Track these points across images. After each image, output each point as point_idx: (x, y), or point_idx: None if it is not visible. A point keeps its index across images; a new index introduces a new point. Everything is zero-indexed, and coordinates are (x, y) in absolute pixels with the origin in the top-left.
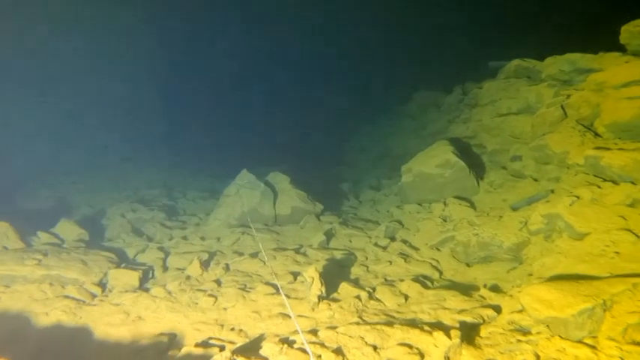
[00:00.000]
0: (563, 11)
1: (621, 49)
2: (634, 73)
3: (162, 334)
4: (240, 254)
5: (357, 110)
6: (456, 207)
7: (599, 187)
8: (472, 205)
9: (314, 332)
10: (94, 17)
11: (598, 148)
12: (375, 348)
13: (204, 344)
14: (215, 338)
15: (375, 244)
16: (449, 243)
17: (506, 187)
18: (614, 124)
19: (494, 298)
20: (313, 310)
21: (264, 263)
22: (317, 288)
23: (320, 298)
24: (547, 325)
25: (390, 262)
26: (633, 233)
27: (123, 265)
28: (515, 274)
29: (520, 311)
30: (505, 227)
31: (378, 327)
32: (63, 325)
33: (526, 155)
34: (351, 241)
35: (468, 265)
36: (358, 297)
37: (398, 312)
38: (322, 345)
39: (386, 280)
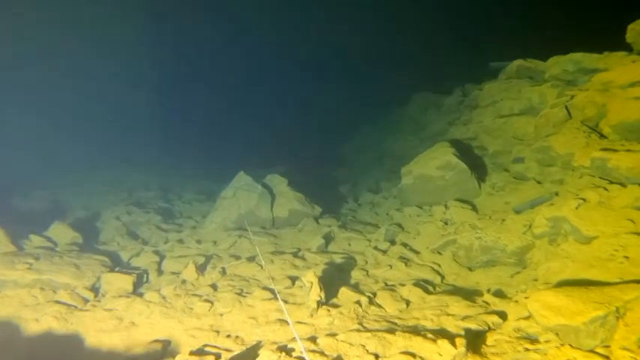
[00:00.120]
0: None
1: (627, 48)
2: None
3: (156, 341)
4: (237, 258)
5: (355, 111)
6: (457, 210)
7: (606, 189)
8: (474, 208)
9: (313, 340)
10: (92, 17)
11: (605, 149)
12: (376, 357)
13: (200, 352)
14: (211, 345)
15: (375, 248)
16: (450, 246)
17: (508, 189)
18: (621, 124)
19: (498, 304)
20: (312, 316)
21: (262, 267)
22: (316, 293)
23: (319, 303)
24: (556, 333)
25: (391, 266)
26: None
27: (117, 269)
28: (520, 279)
29: (527, 318)
30: (508, 231)
31: (380, 334)
32: (53, 332)
33: (529, 157)
34: (350, 245)
35: (470, 269)
36: (358, 302)
37: (399, 318)
38: (322, 353)
39: (386, 284)
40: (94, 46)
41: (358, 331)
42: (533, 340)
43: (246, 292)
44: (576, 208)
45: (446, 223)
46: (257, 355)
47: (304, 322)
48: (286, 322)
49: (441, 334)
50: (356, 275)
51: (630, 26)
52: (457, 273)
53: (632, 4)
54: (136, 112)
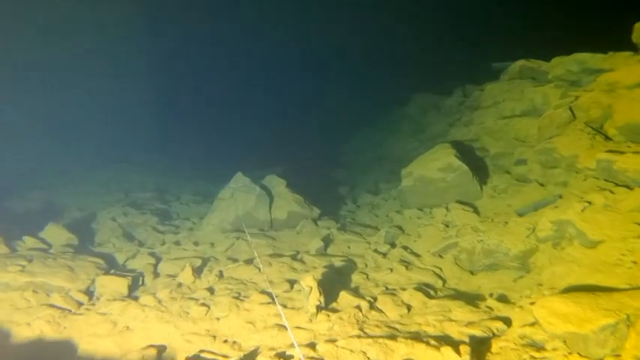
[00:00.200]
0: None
1: (631, 48)
2: None
3: (150, 346)
4: (235, 260)
5: (355, 111)
6: (458, 212)
7: (612, 192)
8: (475, 211)
9: (312, 346)
10: (89, 16)
11: (610, 151)
12: None
13: (196, 358)
14: (207, 351)
15: (375, 251)
16: (452, 250)
17: (510, 191)
18: (627, 126)
19: (502, 309)
20: (311, 321)
21: (260, 270)
22: (315, 297)
23: (318, 308)
24: (564, 341)
25: (391, 270)
26: None
27: (112, 271)
28: (523, 284)
29: (532, 324)
30: (511, 234)
31: (381, 340)
32: (46, 337)
33: (531, 159)
34: (349, 247)
35: (472, 272)
36: (358, 307)
37: (401, 324)
38: None
39: (387, 288)
40: (92, 44)
41: (359, 337)
42: (540, 348)
43: (244, 296)
44: (582, 212)
45: (447, 226)
46: None
47: (303, 328)
48: (285, 327)
49: (444, 340)
50: (356, 279)
51: (636, 25)
52: (459, 277)
53: (633, 3)
54: (133, 112)
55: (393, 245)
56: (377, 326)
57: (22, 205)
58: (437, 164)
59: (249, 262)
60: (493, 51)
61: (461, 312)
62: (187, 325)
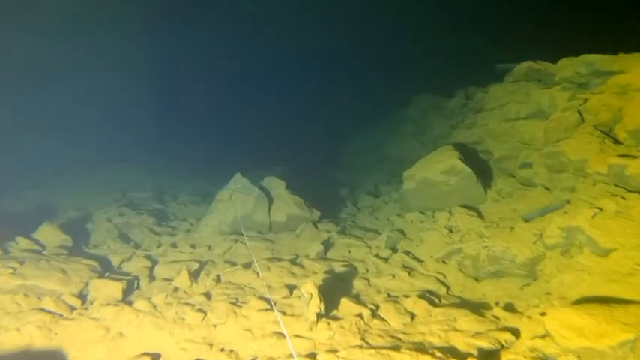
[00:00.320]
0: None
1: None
2: None
3: (144, 354)
4: (233, 264)
5: (355, 112)
6: (462, 217)
7: (624, 198)
8: (479, 215)
9: (312, 356)
10: (89, 15)
11: (622, 156)
12: None
13: None
14: None
15: (376, 256)
16: (456, 255)
17: (515, 196)
18: (639, 129)
19: (509, 319)
20: (311, 329)
21: (258, 275)
22: (315, 305)
23: (319, 315)
24: (578, 356)
25: (393, 276)
26: None
27: (106, 274)
28: (530, 292)
29: (543, 336)
30: (518, 240)
31: (384, 351)
32: (36, 343)
33: (537, 162)
34: (350, 252)
35: (476, 279)
36: (360, 315)
37: (404, 333)
38: None
39: (389, 295)
40: (91, 43)
41: (361, 347)
42: None
43: (242, 302)
44: (592, 218)
45: (450, 231)
46: None
47: (303, 336)
48: (283, 334)
49: (450, 352)
50: (357, 285)
51: None
52: (463, 284)
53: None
54: (133, 111)
55: (394, 250)
56: (379, 335)
57: (18, 205)
58: (440, 167)
59: (247, 265)
60: (493, 52)
61: (466, 321)
62: (183, 332)
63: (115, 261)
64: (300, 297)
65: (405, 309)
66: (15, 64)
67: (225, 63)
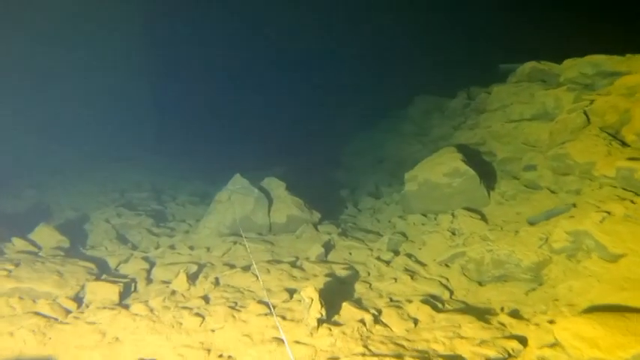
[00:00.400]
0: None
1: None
2: None
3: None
4: (232, 267)
5: (355, 112)
6: (465, 219)
7: (633, 202)
8: (483, 218)
9: None
10: (87, 15)
11: (631, 159)
12: None
13: None
14: None
15: (378, 258)
16: (459, 259)
17: (519, 198)
18: None
19: (516, 326)
20: (312, 335)
21: (257, 278)
22: (316, 310)
23: (320, 321)
24: None
25: (395, 280)
26: None
27: (103, 276)
28: (536, 297)
29: (552, 346)
30: (523, 244)
31: (387, 359)
32: (29, 348)
33: (541, 165)
34: (351, 254)
35: (480, 284)
36: (362, 321)
37: (407, 340)
38: None
39: (392, 300)
40: (90, 41)
41: (363, 355)
42: None
43: (241, 306)
44: (600, 222)
45: (453, 233)
46: None
47: (303, 343)
48: (283, 341)
49: None
50: (358, 288)
51: None
52: (467, 288)
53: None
54: (132, 110)
55: (396, 253)
56: (382, 342)
57: (16, 205)
58: (442, 168)
59: (246, 268)
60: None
61: (471, 328)
62: (180, 337)
63: (112, 263)
64: (300, 301)
65: (408, 314)
66: (15, 64)
67: (225, 63)
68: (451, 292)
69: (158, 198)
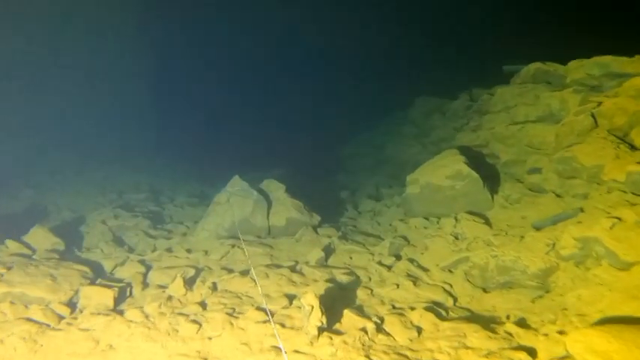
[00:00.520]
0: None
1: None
2: None
3: None
4: (230, 271)
5: (356, 113)
6: (469, 223)
7: None
8: (487, 222)
9: None
10: (85, 15)
11: None
12: None
13: None
14: None
15: (379, 263)
16: (463, 265)
17: (523, 202)
18: None
19: (523, 336)
20: (312, 344)
21: (256, 283)
22: (317, 318)
23: (320, 329)
24: None
25: (397, 285)
26: None
27: (98, 281)
28: (543, 305)
29: (563, 358)
30: (529, 250)
31: None
32: (19, 356)
33: (547, 168)
34: (351, 258)
35: (485, 290)
36: (364, 329)
37: (411, 350)
38: None
39: (394, 307)
40: (87, 43)
41: None
42: None
43: (239, 312)
44: (610, 228)
45: (456, 238)
46: None
47: (303, 352)
48: (282, 350)
49: None
50: (359, 295)
51: None
52: (471, 295)
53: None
54: (131, 111)
55: (398, 257)
56: (385, 352)
57: (13, 205)
58: (445, 171)
59: (245, 273)
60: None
61: (477, 337)
62: (176, 345)
63: (107, 266)
64: (300, 307)
65: (411, 322)
66: (15, 64)
67: (224, 63)
68: (455, 299)
69: (156, 199)
